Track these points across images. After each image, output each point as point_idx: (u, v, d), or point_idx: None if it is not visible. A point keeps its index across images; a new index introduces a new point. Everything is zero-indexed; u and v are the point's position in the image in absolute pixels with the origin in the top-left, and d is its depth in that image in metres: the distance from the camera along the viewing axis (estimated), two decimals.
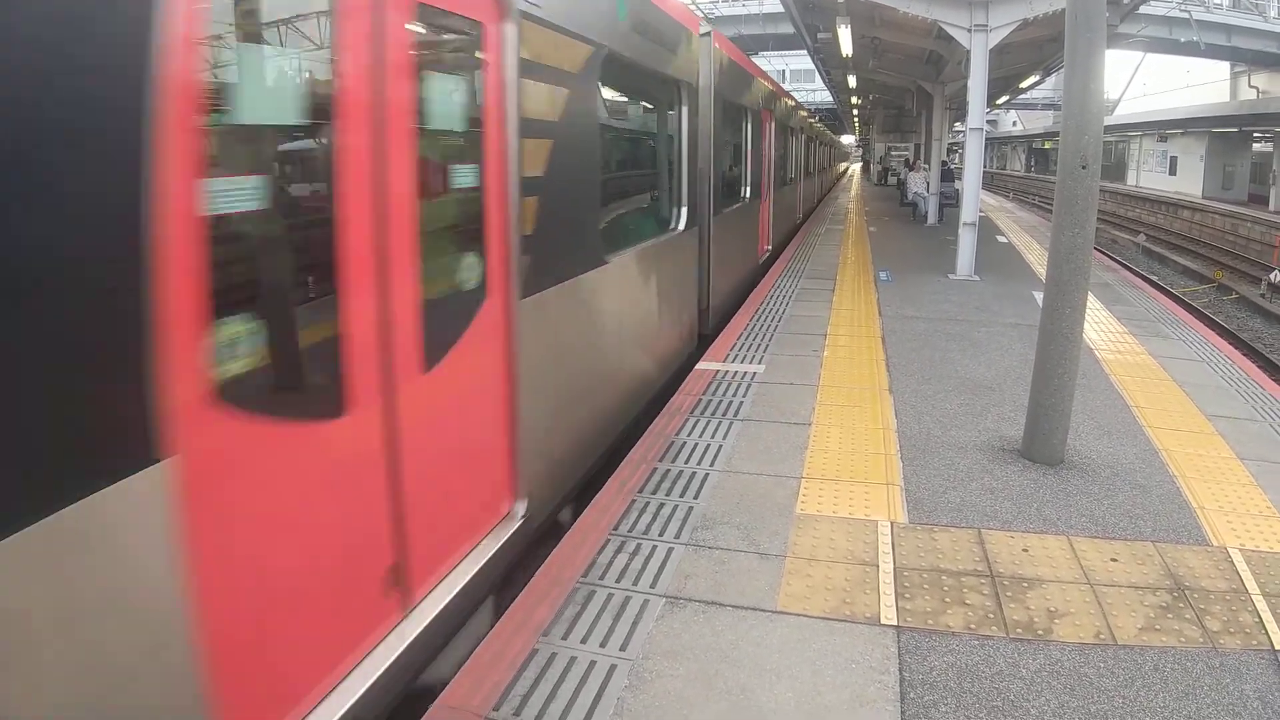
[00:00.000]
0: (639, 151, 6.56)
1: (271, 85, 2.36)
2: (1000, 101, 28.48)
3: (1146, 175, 40.93)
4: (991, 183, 48.74)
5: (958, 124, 27.64)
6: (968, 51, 10.98)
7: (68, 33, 1.52)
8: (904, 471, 4.41)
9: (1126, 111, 41.21)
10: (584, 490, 4.36)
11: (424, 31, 2.87)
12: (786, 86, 18.53)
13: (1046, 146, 54.54)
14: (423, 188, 2.75)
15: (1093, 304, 8.49)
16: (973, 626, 3.01)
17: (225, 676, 1.94)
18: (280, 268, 2.33)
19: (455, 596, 2.94)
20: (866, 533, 3.72)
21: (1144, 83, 41.57)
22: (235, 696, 1.98)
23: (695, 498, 4.05)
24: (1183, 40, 27.76)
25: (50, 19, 1.49)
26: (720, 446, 4.72)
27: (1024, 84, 21.32)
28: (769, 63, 32.21)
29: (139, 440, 1.69)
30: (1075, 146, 4.25)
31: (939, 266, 11.38)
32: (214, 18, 1.97)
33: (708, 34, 7.15)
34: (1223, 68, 36.20)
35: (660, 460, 4.52)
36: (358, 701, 2.38)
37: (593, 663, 2.79)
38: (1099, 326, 7.83)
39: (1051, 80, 23.28)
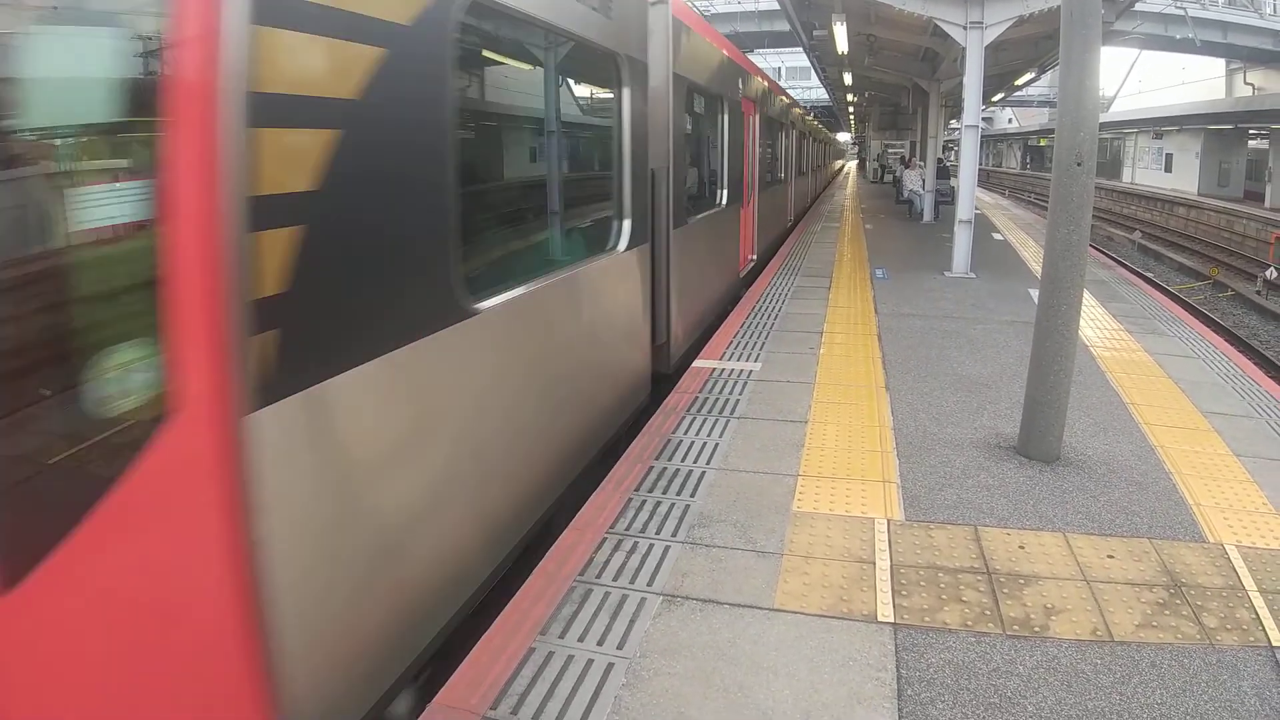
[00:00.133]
0: (537, 147, 4.46)
1: None
2: (996, 99, 28.49)
3: (1142, 172, 40.99)
4: (987, 180, 48.87)
5: (954, 121, 27.67)
6: (963, 49, 10.96)
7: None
8: (900, 469, 4.42)
9: (1122, 108, 41.34)
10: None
11: None
12: (782, 84, 18.35)
13: (1042, 144, 54.61)
14: None
15: (1088, 301, 8.52)
16: (970, 623, 3.01)
17: None
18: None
19: None
20: (863, 530, 3.72)
21: (1139, 80, 41.80)
22: None
23: (692, 496, 4.05)
24: (1178, 37, 27.83)
25: None
26: (717, 444, 4.72)
27: (1020, 81, 21.30)
28: (765, 60, 32.21)
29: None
30: (1071, 143, 4.25)
31: (935, 264, 11.39)
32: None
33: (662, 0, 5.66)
34: (1218, 65, 36.26)
35: (657, 458, 4.52)
36: None
37: (590, 661, 2.79)
38: (1095, 323, 7.83)
39: (1047, 77, 23.25)
